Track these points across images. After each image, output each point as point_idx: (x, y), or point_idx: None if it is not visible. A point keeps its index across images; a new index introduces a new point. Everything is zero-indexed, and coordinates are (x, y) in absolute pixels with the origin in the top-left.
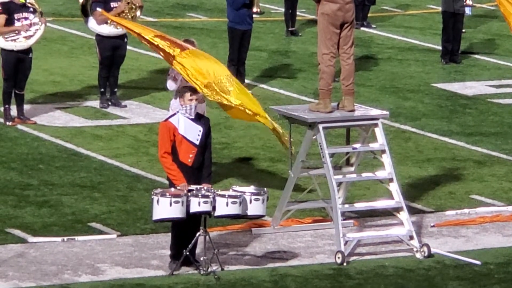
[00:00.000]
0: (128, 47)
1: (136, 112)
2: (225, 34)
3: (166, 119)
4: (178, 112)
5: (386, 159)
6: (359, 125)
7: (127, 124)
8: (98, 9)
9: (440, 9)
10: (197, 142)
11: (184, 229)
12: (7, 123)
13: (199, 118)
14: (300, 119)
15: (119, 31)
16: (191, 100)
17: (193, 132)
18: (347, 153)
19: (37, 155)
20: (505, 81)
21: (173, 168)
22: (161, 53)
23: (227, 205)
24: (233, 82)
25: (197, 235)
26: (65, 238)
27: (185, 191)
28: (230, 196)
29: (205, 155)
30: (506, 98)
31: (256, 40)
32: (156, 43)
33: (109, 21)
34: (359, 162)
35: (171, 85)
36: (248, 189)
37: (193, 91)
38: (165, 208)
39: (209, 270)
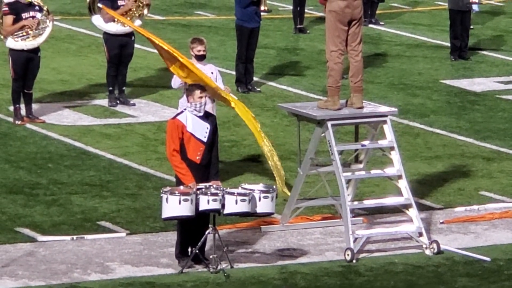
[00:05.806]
0: (136, 45)
1: (144, 111)
2: (233, 32)
3: (174, 117)
4: (185, 109)
5: (395, 156)
6: (368, 122)
7: (136, 123)
8: (99, 5)
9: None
10: (205, 140)
11: (191, 227)
12: (17, 122)
13: (206, 115)
14: (309, 117)
15: (127, 29)
16: (200, 97)
17: (201, 130)
18: (356, 150)
19: (46, 154)
20: None
21: (182, 166)
22: (164, 53)
23: (236, 203)
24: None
25: (206, 233)
26: (74, 237)
27: (194, 189)
28: (239, 194)
29: (213, 152)
30: None
31: (265, 38)
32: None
33: (116, 19)
34: (368, 159)
35: (174, 82)
36: (257, 187)
37: (202, 89)
38: (174, 206)
39: (219, 268)
